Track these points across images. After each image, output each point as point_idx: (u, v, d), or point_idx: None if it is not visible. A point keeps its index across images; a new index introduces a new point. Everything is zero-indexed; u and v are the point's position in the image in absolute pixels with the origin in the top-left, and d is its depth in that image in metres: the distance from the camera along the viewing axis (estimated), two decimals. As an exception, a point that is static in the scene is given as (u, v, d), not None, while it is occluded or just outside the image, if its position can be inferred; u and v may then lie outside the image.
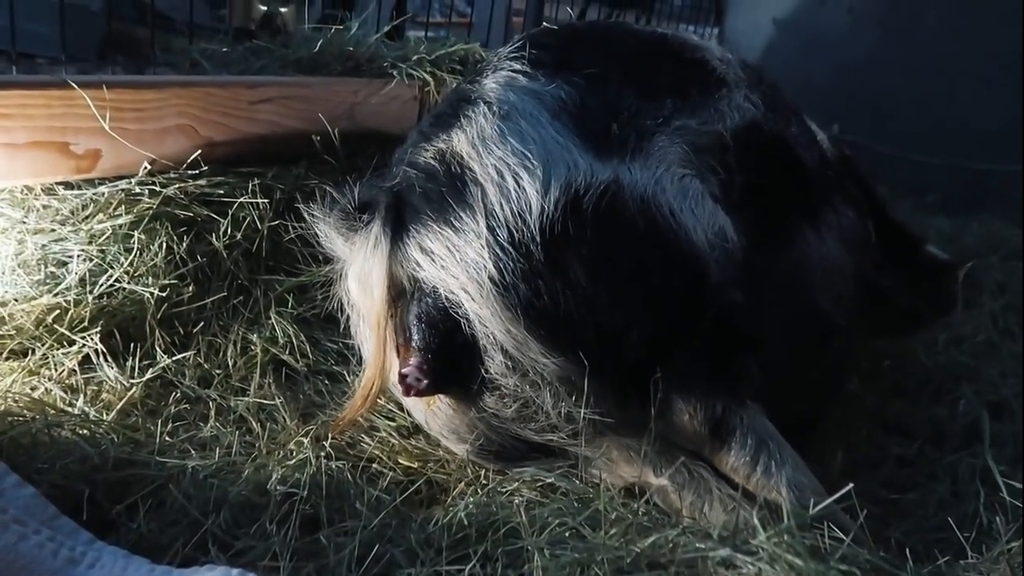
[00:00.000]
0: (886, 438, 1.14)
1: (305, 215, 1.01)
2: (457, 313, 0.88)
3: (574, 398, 0.87)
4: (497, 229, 0.86)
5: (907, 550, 0.76)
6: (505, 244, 0.86)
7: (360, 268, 0.93)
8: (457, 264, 0.87)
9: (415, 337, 0.89)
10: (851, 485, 0.74)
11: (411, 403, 0.99)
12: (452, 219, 0.88)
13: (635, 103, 0.97)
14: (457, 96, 1.03)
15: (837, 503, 0.76)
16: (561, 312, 0.85)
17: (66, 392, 0.97)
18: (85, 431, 0.87)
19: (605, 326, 0.86)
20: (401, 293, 0.91)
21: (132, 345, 1.08)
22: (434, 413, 0.96)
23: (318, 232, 0.99)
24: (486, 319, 0.86)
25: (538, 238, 0.85)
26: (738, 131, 1.02)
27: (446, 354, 0.89)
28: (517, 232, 0.86)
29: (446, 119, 0.97)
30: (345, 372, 1.17)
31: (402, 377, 0.87)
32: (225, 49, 1.49)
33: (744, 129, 1.03)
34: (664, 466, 0.89)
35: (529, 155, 0.89)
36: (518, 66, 1.01)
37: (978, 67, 2.44)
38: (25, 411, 0.88)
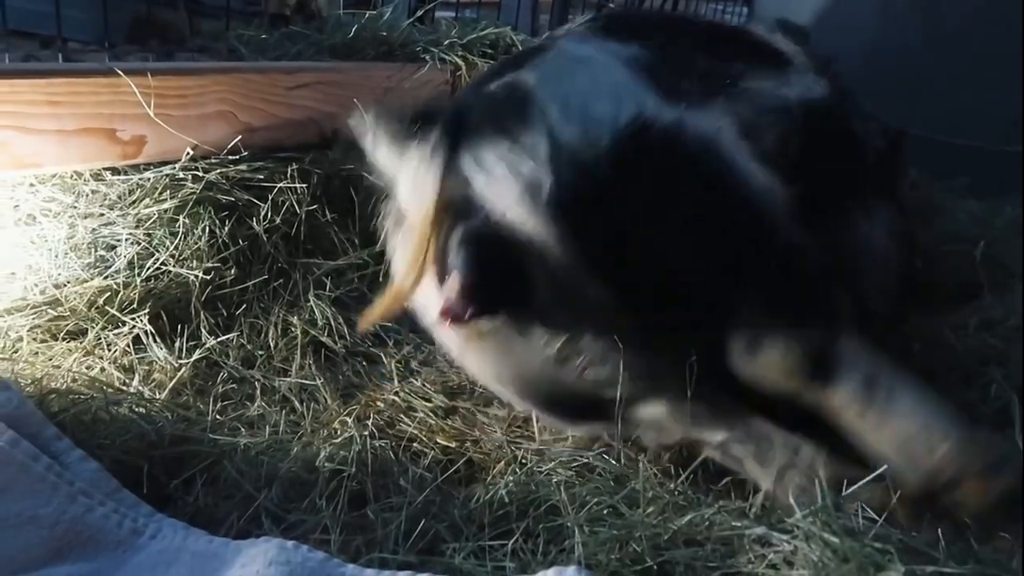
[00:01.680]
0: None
1: (353, 127, 0.96)
2: (508, 235, 0.82)
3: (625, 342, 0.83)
4: (560, 150, 0.82)
5: (939, 531, 0.77)
6: (567, 166, 0.82)
7: (414, 173, 0.88)
8: (514, 181, 0.82)
9: (460, 261, 0.82)
10: (885, 466, 0.76)
11: (453, 342, 0.96)
12: (512, 135, 0.84)
13: (705, 66, 0.97)
14: (527, 49, 1.02)
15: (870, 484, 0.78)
16: (623, 242, 0.82)
17: (121, 372, 1.00)
18: (141, 409, 0.90)
19: (670, 260, 0.83)
20: (448, 210, 0.86)
21: (179, 326, 1.11)
22: (476, 352, 0.93)
23: (369, 143, 0.94)
24: (541, 242, 0.82)
25: (603, 164, 0.81)
26: (802, 109, 1.01)
27: (492, 279, 0.83)
28: (581, 154, 0.82)
29: (514, 63, 0.96)
30: (382, 354, 1.20)
31: (445, 305, 0.82)
32: (264, 36, 1.51)
33: (808, 109, 1.02)
34: (718, 422, 0.86)
35: (598, 87, 0.88)
36: (589, 29, 1.02)
37: (1009, 48, 2.41)
38: (84, 389, 0.91)
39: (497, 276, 0.83)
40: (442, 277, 0.85)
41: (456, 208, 0.85)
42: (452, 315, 0.81)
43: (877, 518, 0.74)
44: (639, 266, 0.82)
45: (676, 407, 0.88)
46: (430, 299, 0.91)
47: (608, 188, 0.81)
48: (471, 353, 0.95)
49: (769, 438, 0.86)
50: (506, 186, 0.82)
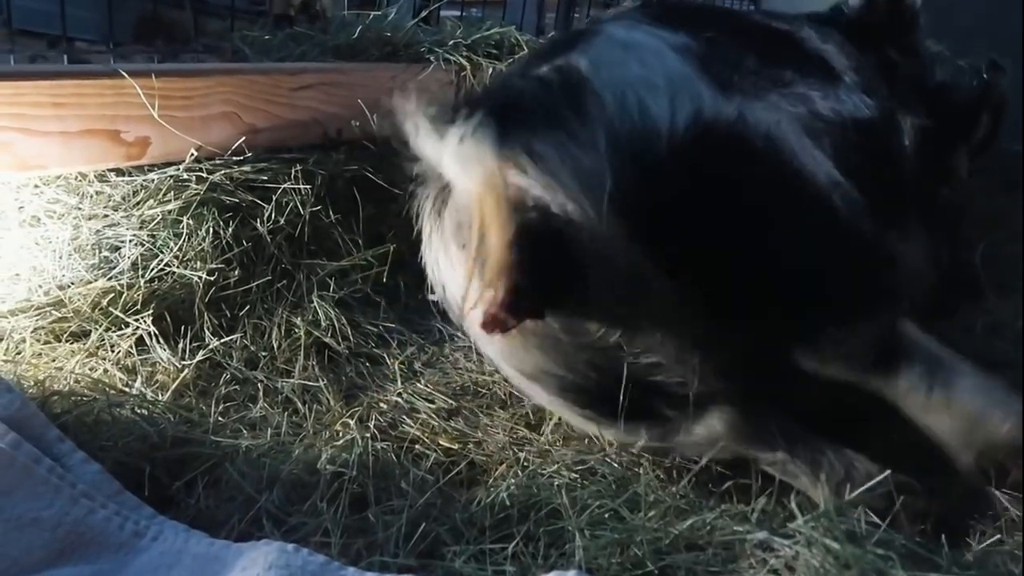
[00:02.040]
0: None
1: (393, 112, 0.88)
2: (563, 231, 0.78)
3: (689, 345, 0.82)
4: (619, 143, 0.79)
5: (943, 536, 0.77)
6: (628, 160, 0.79)
7: (460, 148, 0.81)
8: (571, 173, 0.78)
9: (511, 262, 0.77)
10: (888, 472, 0.76)
11: (491, 339, 0.91)
12: (567, 125, 0.81)
13: (756, 65, 0.94)
14: (573, 32, 0.99)
15: (872, 490, 0.78)
16: (688, 239, 0.80)
17: (124, 373, 1.01)
18: (144, 411, 0.91)
19: (736, 257, 0.81)
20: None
21: (182, 327, 1.12)
22: (512, 345, 0.89)
23: (408, 128, 0.87)
24: (602, 238, 0.78)
25: (667, 161, 0.79)
26: (852, 125, 0.99)
27: (545, 281, 0.80)
28: (641, 151, 0.80)
29: (561, 46, 0.92)
30: (386, 355, 1.20)
31: (490, 312, 0.77)
32: (268, 37, 1.51)
33: (856, 126, 1.00)
34: (777, 440, 0.86)
35: (651, 78, 0.84)
36: (637, 16, 0.98)
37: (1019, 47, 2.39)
38: (87, 391, 0.92)
39: (550, 277, 0.80)
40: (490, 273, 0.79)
41: (502, 201, 0.79)
42: (497, 324, 0.79)
43: (880, 523, 0.73)
44: (706, 262, 0.81)
45: (736, 423, 0.87)
46: (463, 286, 0.84)
47: (671, 182, 0.80)
48: (506, 345, 0.91)
49: (824, 452, 0.86)
50: (564, 178, 0.78)
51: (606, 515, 0.81)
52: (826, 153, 0.91)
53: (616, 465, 0.90)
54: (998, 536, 0.83)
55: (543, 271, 0.79)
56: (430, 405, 1.09)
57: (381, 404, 1.08)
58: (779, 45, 1.09)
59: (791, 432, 0.87)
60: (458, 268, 0.91)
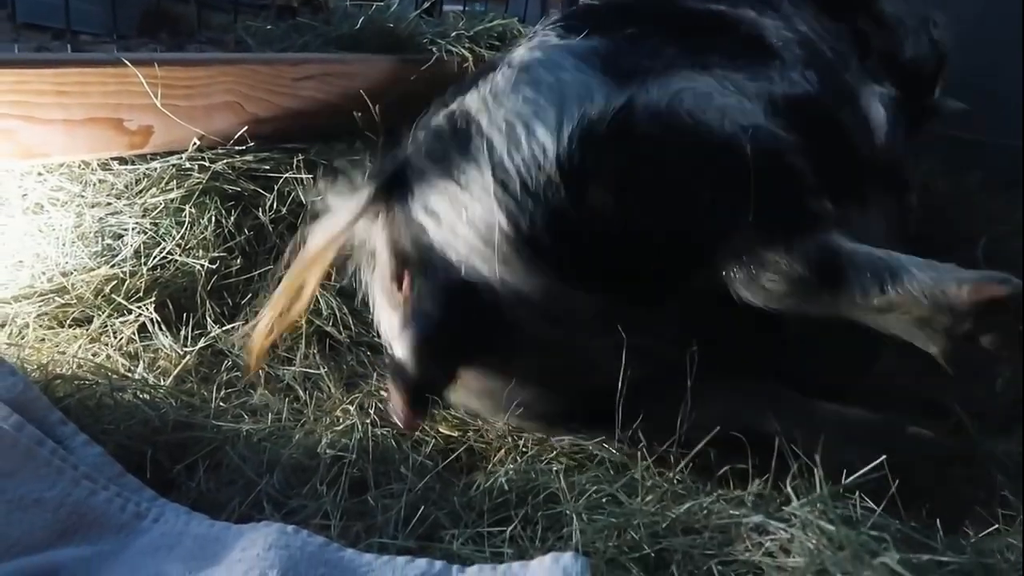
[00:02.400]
0: (917, 413, 1.14)
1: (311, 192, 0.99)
2: (471, 280, 0.82)
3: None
4: (507, 180, 0.81)
5: (938, 521, 0.77)
6: (518, 194, 0.81)
7: (340, 225, 0.89)
8: (465, 224, 0.82)
9: (408, 352, 0.83)
10: (883, 456, 0.76)
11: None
12: (456, 175, 0.84)
13: (673, 55, 0.92)
14: (485, 65, 1.01)
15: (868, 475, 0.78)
16: (596, 244, 0.82)
17: (126, 359, 1.01)
18: (146, 395, 0.91)
19: (650, 240, 0.82)
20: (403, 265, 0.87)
21: (184, 315, 1.12)
22: (467, 389, 0.93)
23: (321, 207, 0.95)
24: (507, 279, 0.82)
25: (556, 179, 0.81)
26: (786, 99, 0.97)
27: (457, 344, 0.85)
28: (531, 179, 0.81)
29: (466, 84, 0.94)
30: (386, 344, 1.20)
31: (403, 418, 0.85)
32: (269, 27, 1.52)
33: (792, 100, 0.99)
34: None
35: (540, 99, 0.84)
36: (552, 31, 0.98)
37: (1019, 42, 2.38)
38: (89, 375, 0.92)
39: (465, 337, 0.84)
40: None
41: (411, 261, 0.85)
42: (411, 424, 0.86)
43: (875, 508, 0.74)
44: (619, 259, 0.82)
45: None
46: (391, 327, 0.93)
47: (566, 202, 0.80)
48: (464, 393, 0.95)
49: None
50: (460, 231, 0.81)
51: (603, 499, 0.81)
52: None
53: (613, 451, 0.90)
54: (996, 526, 0.84)
55: (457, 333, 0.84)
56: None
57: (381, 392, 1.08)
58: (707, 30, 1.06)
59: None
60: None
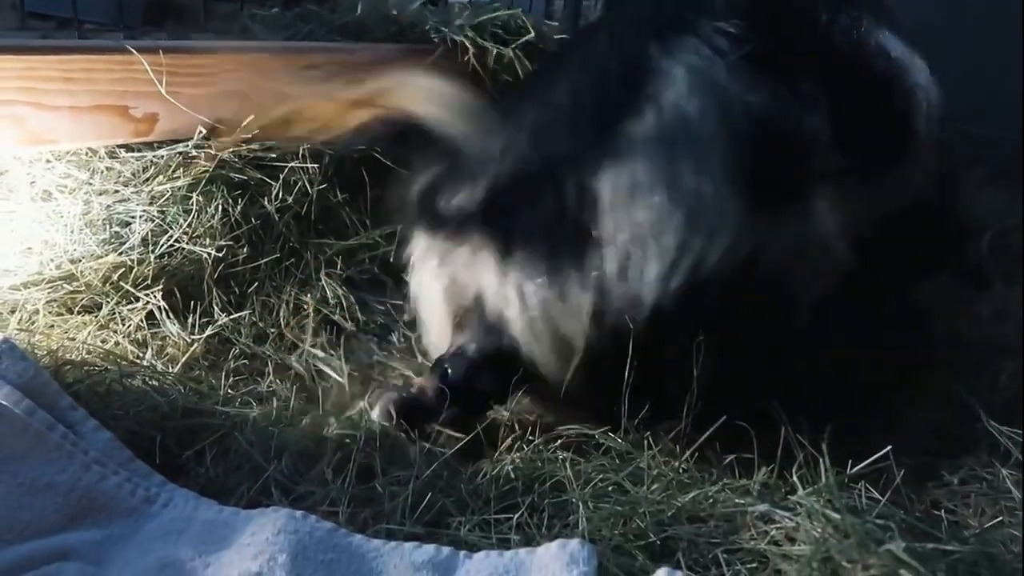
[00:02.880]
0: (924, 406, 1.14)
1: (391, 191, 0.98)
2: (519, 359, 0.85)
3: None
4: (604, 311, 0.80)
5: (942, 511, 0.78)
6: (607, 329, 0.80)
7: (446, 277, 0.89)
8: (548, 334, 0.83)
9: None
10: (889, 447, 0.77)
11: None
12: (564, 279, 0.81)
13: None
14: (622, 65, 0.83)
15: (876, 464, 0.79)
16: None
17: (134, 346, 1.02)
18: (155, 382, 0.92)
19: None
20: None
21: (192, 303, 1.13)
22: None
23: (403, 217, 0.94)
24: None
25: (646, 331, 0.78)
26: None
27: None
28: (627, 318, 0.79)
29: (590, 110, 0.83)
30: (392, 333, 1.21)
31: None
32: (275, 9, 1.52)
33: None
34: None
35: (668, 228, 0.78)
36: (722, 43, 0.82)
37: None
38: (99, 362, 0.93)
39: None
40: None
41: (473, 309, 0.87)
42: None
43: (880, 497, 0.74)
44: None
45: None
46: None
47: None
48: None
49: None
50: (539, 332, 0.82)
51: (609, 488, 0.82)
52: None
53: (619, 440, 0.91)
54: (1000, 518, 0.85)
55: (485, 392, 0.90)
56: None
57: (389, 379, 1.09)
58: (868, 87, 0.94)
59: None
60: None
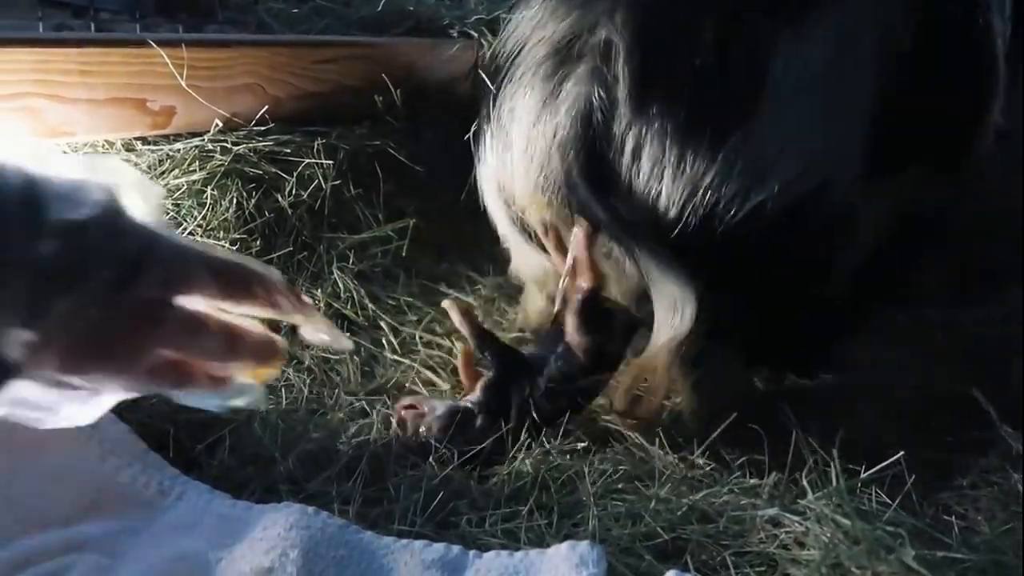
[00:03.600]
0: (933, 407, 1.14)
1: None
2: None
3: None
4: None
5: (953, 517, 0.78)
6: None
7: None
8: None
9: None
10: (901, 453, 0.77)
11: None
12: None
13: None
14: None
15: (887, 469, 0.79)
16: None
17: (148, 338, 1.02)
18: (168, 375, 0.92)
19: None
20: None
21: (206, 296, 1.13)
22: None
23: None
24: None
25: None
26: None
27: None
28: None
29: None
30: (405, 327, 1.21)
31: None
32: (295, 10, 1.52)
33: None
34: None
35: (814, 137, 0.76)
36: None
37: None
38: (113, 354, 0.93)
39: None
40: None
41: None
42: None
43: (890, 502, 0.74)
44: None
45: None
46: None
47: None
48: None
49: None
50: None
51: (620, 487, 0.82)
52: None
53: (630, 439, 0.91)
54: (1011, 523, 0.84)
55: None
56: (449, 376, 1.10)
57: (400, 375, 1.09)
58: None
59: None
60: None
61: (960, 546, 0.72)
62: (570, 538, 0.73)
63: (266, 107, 1.27)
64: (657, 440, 0.87)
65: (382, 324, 1.21)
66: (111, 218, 0.51)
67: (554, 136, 0.78)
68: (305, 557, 0.69)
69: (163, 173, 1.18)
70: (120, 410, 0.84)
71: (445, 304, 0.96)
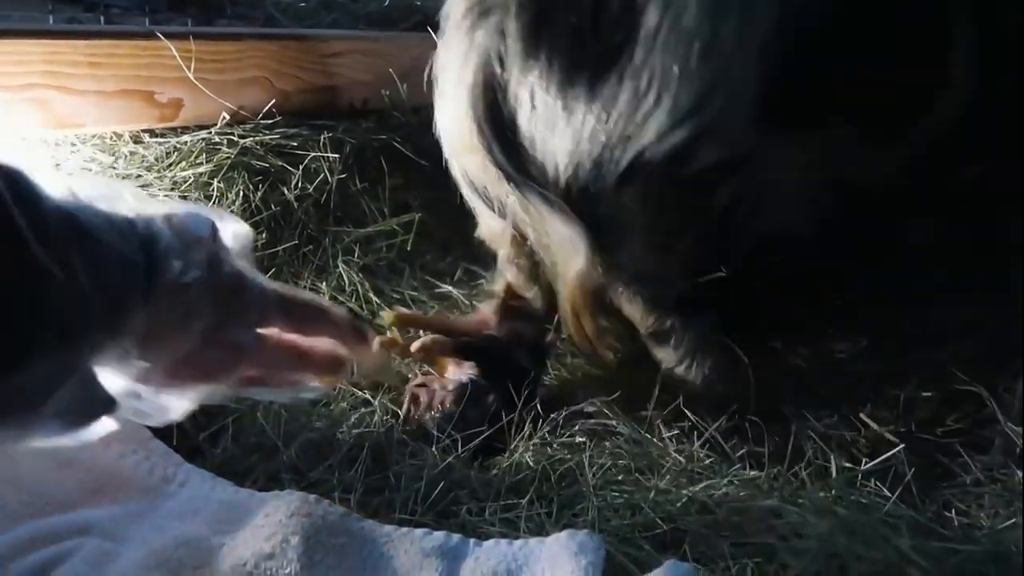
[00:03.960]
0: (936, 403, 1.13)
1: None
2: None
3: None
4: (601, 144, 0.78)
5: (953, 511, 0.78)
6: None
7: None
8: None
9: None
10: (902, 445, 0.77)
11: None
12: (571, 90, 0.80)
13: None
14: None
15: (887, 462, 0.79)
16: None
17: (155, 327, 1.03)
18: (172, 363, 0.93)
19: None
20: None
21: (211, 286, 1.14)
22: None
23: None
24: None
25: None
26: None
27: None
28: None
29: None
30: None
31: None
32: (302, 4, 1.53)
33: None
34: None
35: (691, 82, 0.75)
36: None
37: None
38: (119, 343, 0.94)
39: None
40: None
41: None
42: None
43: (890, 495, 0.74)
44: None
45: None
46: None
47: None
48: None
49: None
50: None
51: (619, 477, 0.82)
52: None
53: (630, 430, 0.91)
54: (1014, 519, 0.84)
55: None
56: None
57: (403, 369, 1.10)
58: None
59: None
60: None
61: (960, 539, 0.72)
62: (570, 528, 0.73)
63: (273, 100, 1.28)
64: (657, 432, 0.87)
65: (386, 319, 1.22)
66: (213, 275, 0.64)
67: (468, 87, 0.83)
68: (306, 544, 0.70)
69: (170, 165, 1.19)
70: (125, 398, 0.85)
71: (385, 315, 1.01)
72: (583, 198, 0.80)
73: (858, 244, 0.90)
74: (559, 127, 0.78)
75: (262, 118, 1.27)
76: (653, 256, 0.86)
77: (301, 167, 1.26)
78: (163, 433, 0.84)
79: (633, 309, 0.91)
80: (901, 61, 0.80)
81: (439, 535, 0.73)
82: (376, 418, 0.93)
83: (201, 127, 1.23)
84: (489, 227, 0.97)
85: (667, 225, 0.84)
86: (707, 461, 0.84)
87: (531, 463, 0.86)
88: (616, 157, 0.77)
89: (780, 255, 0.87)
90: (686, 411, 0.89)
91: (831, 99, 0.78)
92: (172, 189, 1.17)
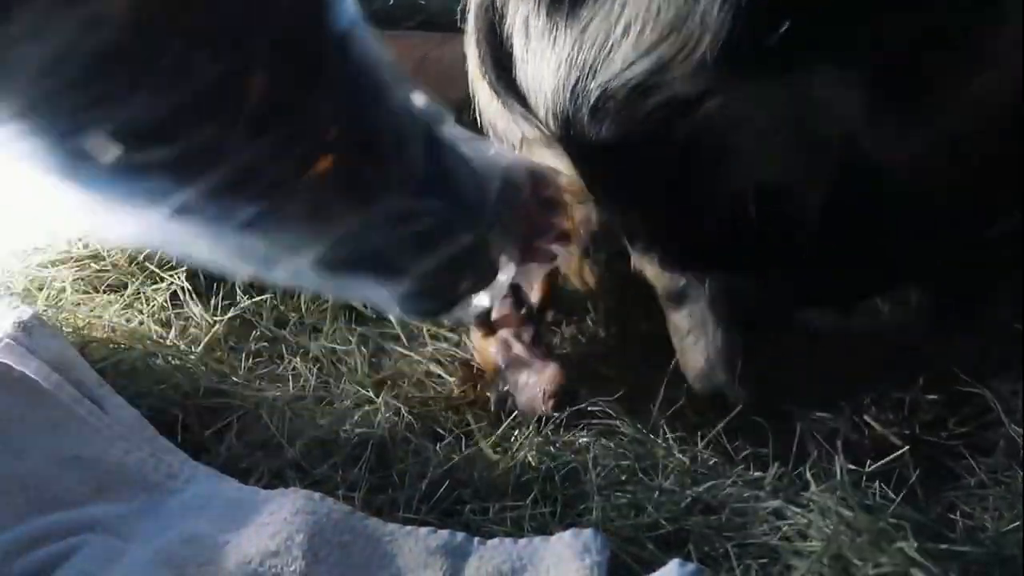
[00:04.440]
0: (940, 404, 1.13)
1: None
2: None
3: None
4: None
5: (958, 512, 0.78)
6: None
7: None
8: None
9: None
10: (906, 447, 0.77)
11: None
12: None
13: None
14: None
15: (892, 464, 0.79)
16: None
17: (159, 325, 1.04)
18: (178, 361, 0.94)
19: None
20: None
21: (215, 285, 1.14)
22: None
23: None
24: None
25: None
26: None
27: None
28: None
29: None
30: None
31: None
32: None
33: None
34: None
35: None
36: None
37: None
38: (124, 340, 0.95)
39: None
40: None
41: None
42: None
43: (895, 496, 0.74)
44: None
45: None
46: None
47: None
48: None
49: None
50: None
51: (623, 477, 0.82)
52: None
53: (634, 430, 0.91)
54: (1018, 522, 0.84)
55: None
56: (455, 370, 1.10)
57: (407, 367, 1.10)
58: None
59: None
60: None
61: (964, 540, 0.72)
62: (574, 527, 0.73)
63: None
64: (660, 433, 0.87)
65: (390, 316, 1.22)
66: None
67: (474, 14, 0.89)
68: (310, 541, 0.70)
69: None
70: (130, 396, 0.86)
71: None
72: (566, 128, 0.83)
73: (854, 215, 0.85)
74: (546, 55, 0.80)
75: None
76: (630, 199, 0.87)
77: (306, 165, 1.26)
78: (169, 431, 0.85)
79: (651, 269, 0.93)
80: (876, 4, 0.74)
81: (443, 534, 0.74)
82: (380, 416, 0.93)
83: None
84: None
85: (633, 164, 0.83)
86: (711, 462, 0.84)
87: (535, 463, 0.86)
88: (588, 87, 0.78)
89: (776, 223, 0.83)
90: (689, 411, 0.89)
91: (800, 45, 0.72)
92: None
